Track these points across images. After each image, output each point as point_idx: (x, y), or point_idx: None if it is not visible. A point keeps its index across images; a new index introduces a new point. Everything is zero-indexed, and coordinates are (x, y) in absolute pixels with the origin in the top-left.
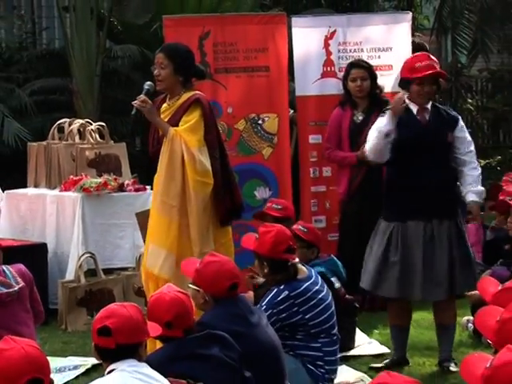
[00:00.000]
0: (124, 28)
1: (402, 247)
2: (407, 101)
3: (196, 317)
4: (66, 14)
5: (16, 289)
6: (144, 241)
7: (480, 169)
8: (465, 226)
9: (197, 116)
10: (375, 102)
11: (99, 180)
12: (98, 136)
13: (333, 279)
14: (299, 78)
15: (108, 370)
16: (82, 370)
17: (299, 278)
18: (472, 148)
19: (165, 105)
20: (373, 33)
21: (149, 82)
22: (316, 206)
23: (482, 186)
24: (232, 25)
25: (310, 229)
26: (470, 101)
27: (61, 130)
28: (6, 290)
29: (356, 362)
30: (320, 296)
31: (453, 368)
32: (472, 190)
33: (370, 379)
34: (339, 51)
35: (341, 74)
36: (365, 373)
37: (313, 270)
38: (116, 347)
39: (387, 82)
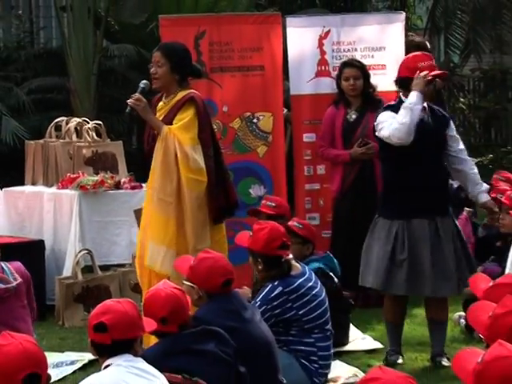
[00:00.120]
0: (121, 27)
1: (408, 245)
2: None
3: (191, 313)
4: (64, 13)
5: (14, 284)
6: None
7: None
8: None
9: (191, 114)
10: (368, 100)
11: (96, 178)
12: (94, 134)
13: (331, 274)
14: (294, 77)
15: (104, 365)
16: (78, 365)
17: (293, 275)
18: (462, 145)
19: (161, 103)
20: (366, 33)
21: (144, 81)
22: (310, 203)
23: None
24: (227, 24)
25: (305, 225)
26: (462, 100)
27: (58, 128)
28: (4, 286)
29: (349, 357)
30: (313, 292)
31: (445, 363)
32: (481, 190)
33: (364, 374)
34: (333, 51)
35: (335, 74)
36: (358, 367)
37: (306, 267)
38: (112, 343)
39: (380, 81)
